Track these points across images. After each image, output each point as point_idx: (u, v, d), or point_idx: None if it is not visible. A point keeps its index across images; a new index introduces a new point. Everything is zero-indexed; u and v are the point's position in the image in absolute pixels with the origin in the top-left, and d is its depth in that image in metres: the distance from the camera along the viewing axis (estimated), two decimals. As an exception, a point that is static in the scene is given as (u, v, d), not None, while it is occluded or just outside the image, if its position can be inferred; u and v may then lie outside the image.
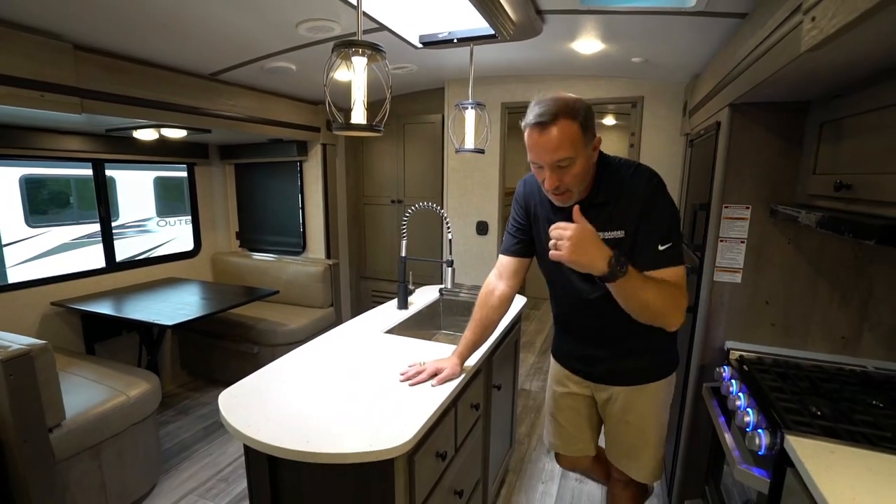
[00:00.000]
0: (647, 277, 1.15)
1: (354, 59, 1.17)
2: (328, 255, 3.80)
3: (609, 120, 5.34)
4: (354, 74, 1.18)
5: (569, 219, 1.28)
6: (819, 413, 1.20)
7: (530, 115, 1.16)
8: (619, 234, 1.24)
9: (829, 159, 1.36)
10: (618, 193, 1.25)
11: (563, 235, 1.09)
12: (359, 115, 1.21)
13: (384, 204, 4.13)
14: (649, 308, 1.16)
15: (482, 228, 3.49)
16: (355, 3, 1.23)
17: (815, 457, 1.01)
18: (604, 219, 1.24)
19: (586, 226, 1.10)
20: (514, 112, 3.31)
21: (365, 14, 1.75)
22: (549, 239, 1.35)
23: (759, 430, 1.19)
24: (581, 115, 1.13)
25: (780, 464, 1.09)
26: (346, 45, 1.14)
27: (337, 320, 3.60)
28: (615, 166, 1.28)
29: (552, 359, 1.66)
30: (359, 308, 4.32)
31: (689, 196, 2.39)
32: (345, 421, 1.21)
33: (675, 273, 1.20)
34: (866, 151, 1.13)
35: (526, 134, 1.18)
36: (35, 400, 1.66)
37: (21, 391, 1.62)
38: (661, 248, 1.19)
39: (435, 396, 1.34)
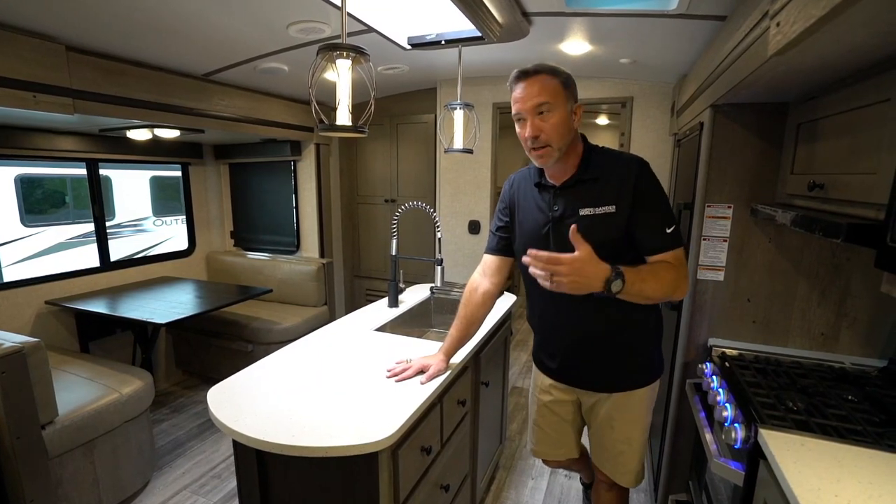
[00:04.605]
0: (642, 274, 1.16)
1: (338, 61, 1.19)
2: (322, 254, 3.83)
3: (602, 119, 5.37)
4: (339, 77, 1.21)
5: (554, 201, 1.33)
6: (795, 408, 1.23)
7: (511, 76, 1.27)
8: (611, 208, 1.26)
9: (805, 159, 1.39)
10: (606, 170, 1.29)
11: (558, 271, 1.08)
12: (343, 117, 1.23)
13: (378, 203, 4.16)
14: (651, 299, 1.20)
15: (474, 227, 3.52)
16: (340, 5, 1.26)
17: (785, 449, 1.04)
18: (594, 194, 1.28)
19: (583, 255, 1.09)
20: (505, 112, 3.32)
21: (352, 16, 1.77)
22: (533, 226, 1.39)
23: (736, 425, 1.23)
24: (562, 75, 1.24)
25: (753, 457, 1.12)
26: (330, 48, 1.16)
27: (331, 319, 3.62)
28: (601, 148, 1.35)
29: (534, 367, 1.64)
30: (353, 306, 4.34)
31: (676, 195, 2.42)
32: (331, 416, 1.23)
33: (679, 254, 1.25)
34: (836, 152, 1.16)
35: (511, 93, 1.27)
36: (28, 397, 1.69)
37: (14, 388, 1.64)
38: (667, 231, 1.24)
39: (420, 392, 1.36)
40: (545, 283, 1.10)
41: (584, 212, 1.29)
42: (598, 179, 1.28)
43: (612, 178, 1.27)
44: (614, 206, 1.26)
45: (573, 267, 1.08)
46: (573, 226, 1.11)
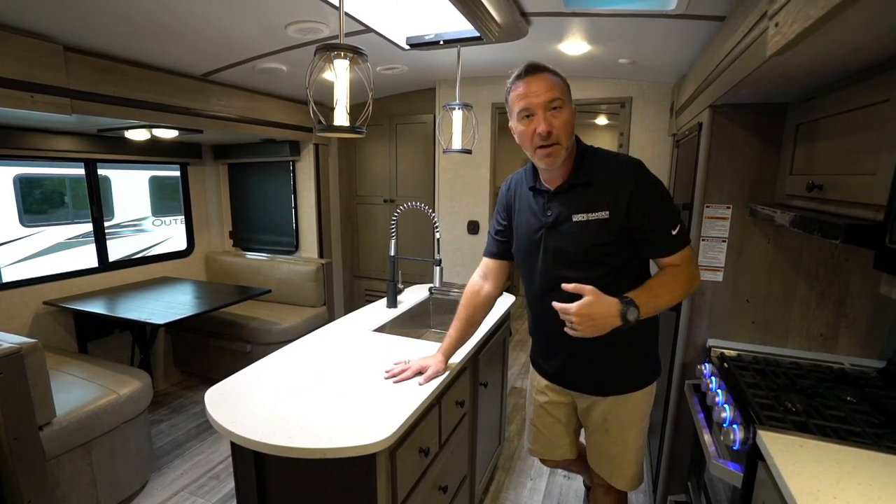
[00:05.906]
0: (652, 290, 1.21)
1: (336, 61, 1.19)
2: (321, 255, 3.82)
3: (601, 120, 5.37)
4: (336, 77, 1.20)
5: (547, 206, 1.32)
6: (793, 409, 1.22)
7: (517, 71, 1.23)
8: (604, 214, 1.24)
9: (804, 160, 1.39)
10: (599, 173, 1.26)
11: (569, 320, 1.16)
12: (341, 117, 1.22)
13: (377, 203, 4.15)
14: (669, 307, 1.26)
15: (473, 228, 3.52)
16: (338, 5, 1.25)
17: (784, 451, 1.03)
18: (587, 199, 1.26)
19: (588, 299, 1.14)
20: (504, 113, 3.32)
21: (350, 16, 1.77)
22: (527, 230, 1.38)
23: (735, 426, 1.22)
24: (562, 77, 1.24)
25: (752, 458, 1.12)
26: (327, 48, 1.16)
27: (330, 319, 3.61)
28: (594, 150, 1.32)
29: (531, 368, 1.63)
30: (352, 307, 4.33)
31: (675, 195, 2.42)
32: (329, 417, 1.23)
33: (686, 254, 1.26)
34: (835, 152, 1.16)
35: (515, 89, 1.23)
36: (25, 398, 1.68)
37: (11, 389, 1.63)
38: (673, 232, 1.24)
39: (418, 393, 1.36)
40: (570, 331, 1.18)
41: (577, 217, 1.27)
42: (591, 184, 1.26)
43: (606, 182, 1.25)
44: (608, 212, 1.23)
45: (581, 312, 1.14)
46: (564, 286, 1.19)
